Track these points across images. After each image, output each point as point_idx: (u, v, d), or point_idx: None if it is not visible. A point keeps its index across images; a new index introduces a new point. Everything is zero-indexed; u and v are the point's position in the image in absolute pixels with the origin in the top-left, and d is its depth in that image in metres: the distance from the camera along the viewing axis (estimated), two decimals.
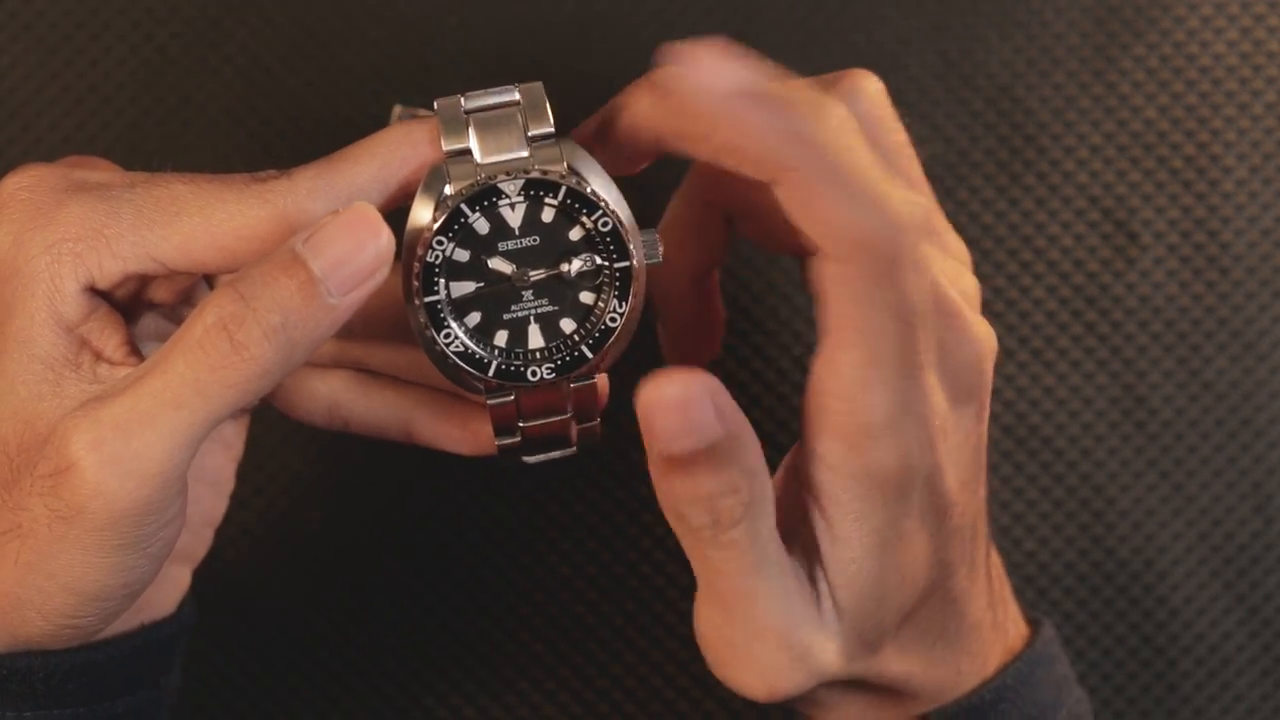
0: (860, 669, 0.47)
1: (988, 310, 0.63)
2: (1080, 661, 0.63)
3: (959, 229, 0.63)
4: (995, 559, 0.52)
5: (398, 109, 0.56)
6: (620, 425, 0.63)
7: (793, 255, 0.51)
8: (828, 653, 0.46)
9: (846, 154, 0.44)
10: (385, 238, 0.43)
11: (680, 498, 0.45)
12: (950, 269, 0.48)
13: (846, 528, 0.46)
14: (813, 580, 0.47)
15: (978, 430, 0.48)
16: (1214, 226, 0.63)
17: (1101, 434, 0.63)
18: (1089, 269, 0.63)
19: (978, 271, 0.63)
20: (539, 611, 0.63)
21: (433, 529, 0.62)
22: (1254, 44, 0.63)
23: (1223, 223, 0.63)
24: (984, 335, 0.47)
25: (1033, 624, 0.53)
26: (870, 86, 0.49)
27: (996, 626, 0.50)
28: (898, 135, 0.49)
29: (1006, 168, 0.63)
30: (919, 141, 0.63)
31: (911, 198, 0.44)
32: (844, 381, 0.45)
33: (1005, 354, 0.63)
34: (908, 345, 0.44)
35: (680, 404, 0.43)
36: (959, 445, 0.47)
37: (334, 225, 0.43)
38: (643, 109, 0.46)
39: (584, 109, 0.48)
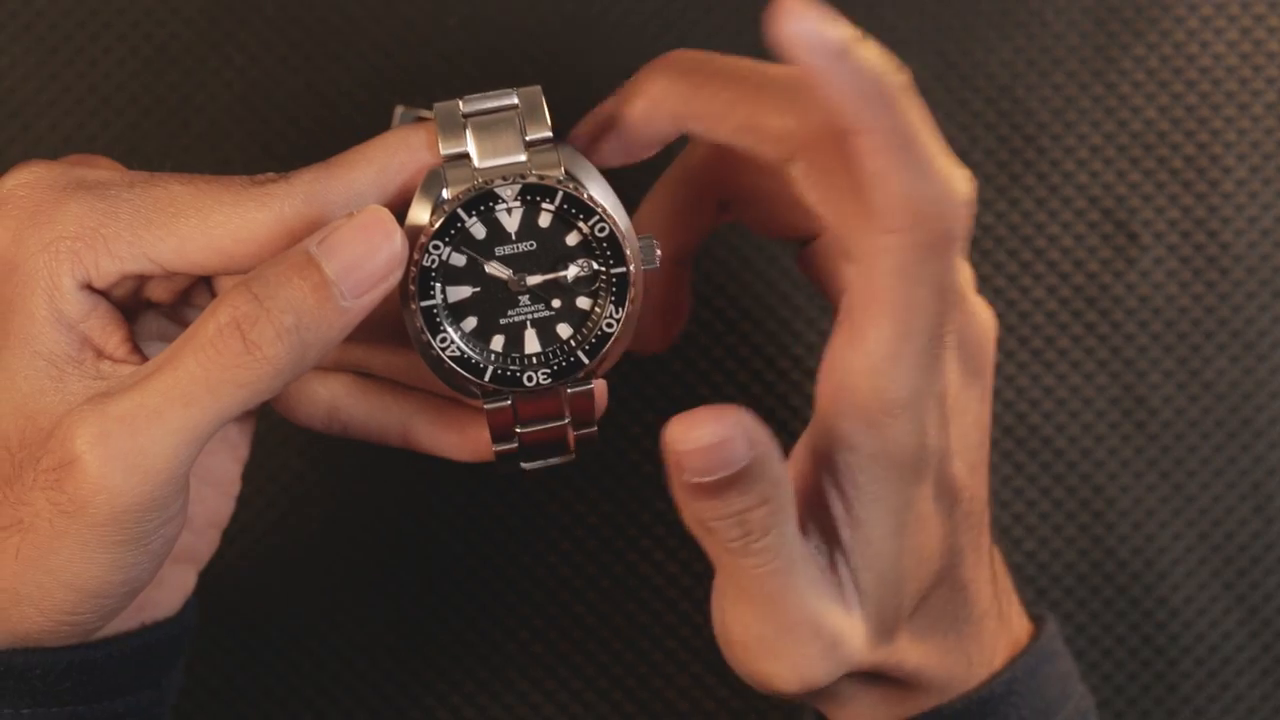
0: (880, 658, 0.47)
1: None
2: (1080, 661, 0.63)
3: None
4: (995, 551, 0.52)
5: (399, 110, 0.56)
6: (621, 425, 0.63)
7: (793, 239, 0.51)
8: (856, 639, 0.47)
9: (917, 122, 0.43)
10: (399, 241, 0.44)
11: (710, 517, 0.45)
12: None
13: (865, 509, 0.46)
14: (833, 566, 0.47)
15: (983, 412, 0.48)
16: (1214, 226, 0.63)
17: (1101, 434, 0.63)
18: (1089, 269, 0.63)
19: (978, 272, 0.63)
20: (539, 611, 0.63)
21: (433, 529, 0.62)
22: (1254, 44, 0.63)
23: (1223, 223, 0.63)
24: (987, 316, 0.48)
25: (1036, 620, 0.53)
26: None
27: (1002, 618, 0.50)
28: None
29: (1006, 168, 0.63)
30: None
31: (967, 175, 0.44)
32: (871, 357, 0.44)
33: (1005, 354, 0.63)
34: (941, 322, 0.44)
35: (715, 447, 0.43)
36: (969, 427, 0.47)
37: (348, 228, 0.43)
38: (659, 89, 0.46)
39: (584, 110, 0.48)
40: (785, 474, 0.45)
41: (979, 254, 0.63)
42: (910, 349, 0.44)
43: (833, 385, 0.45)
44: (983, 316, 0.48)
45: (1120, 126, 0.63)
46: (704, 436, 0.43)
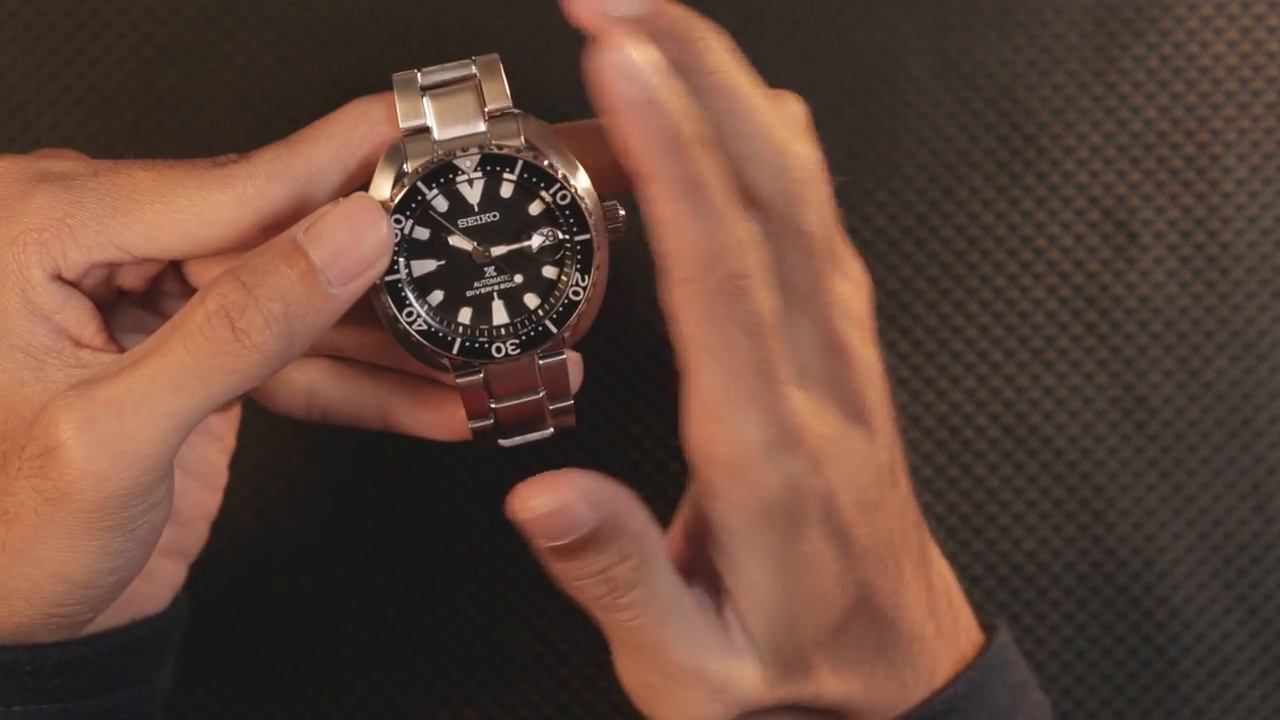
0: (792, 694, 0.47)
1: (988, 310, 0.63)
2: (1080, 661, 0.63)
3: (959, 229, 0.63)
4: (940, 568, 0.52)
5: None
6: (621, 425, 0.63)
7: None
8: (745, 680, 0.46)
9: (706, 172, 0.43)
10: (385, 227, 0.44)
11: (573, 578, 0.45)
12: (846, 294, 0.48)
13: (742, 555, 0.46)
14: (720, 610, 0.47)
15: (874, 454, 0.47)
16: (1214, 226, 0.63)
17: (1101, 434, 0.63)
18: (1089, 269, 0.63)
19: (978, 272, 0.63)
20: (539, 611, 0.63)
21: (433, 529, 0.62)
22: (1254, 44, 0.63)
23: (1223, 223, 0.63)
24: (867, 362, 0.47)
25: (988, 630, 0.53)
26: (792, 110, 0.48)
27: (942, 636, 0.50)
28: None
29: (1006, 168, 0.63)
30: (919, 141, 0.63)
31: (752, 216, 0.44)
32: (710, 405, 0.44)
33: (1005, 354, 0.63)
34: (763, 359, 0.44)
35: (553, 514, 0.44)
36: (856, 467, 0.46)
37: (334, 214, 0.44)
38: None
39: (585, 112, 0.48)
40: (648, 526, 0.45)
41: (979, 254, 0.63)
42: (743, 389, 0.44)
43: (691, 438, 0.45)
44: (865, 363, 0.47)
45: (1120, 126, 0.63)
46: (541, 505, 0.44)
